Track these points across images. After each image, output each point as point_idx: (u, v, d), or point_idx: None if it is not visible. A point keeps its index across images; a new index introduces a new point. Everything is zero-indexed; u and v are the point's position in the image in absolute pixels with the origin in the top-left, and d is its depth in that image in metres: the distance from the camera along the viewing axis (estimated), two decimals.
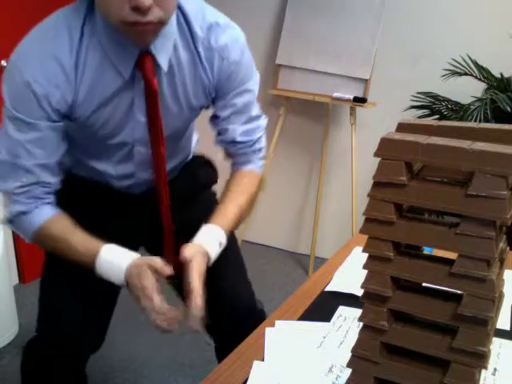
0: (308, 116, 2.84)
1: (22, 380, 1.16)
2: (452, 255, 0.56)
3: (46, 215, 1.00)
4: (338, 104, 2.57)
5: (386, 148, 0.56)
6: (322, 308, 1.01)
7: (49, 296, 1.13)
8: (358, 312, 0.62)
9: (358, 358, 0.64)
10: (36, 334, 1.13)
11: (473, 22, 2.43)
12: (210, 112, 1.13)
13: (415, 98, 2.31)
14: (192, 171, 1.26)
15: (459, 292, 0.56)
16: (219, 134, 1.13)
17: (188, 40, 0.99)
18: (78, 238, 0.99)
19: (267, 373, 0.81)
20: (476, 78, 2.21)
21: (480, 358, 0.56)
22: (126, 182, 1.14)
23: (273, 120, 2.80)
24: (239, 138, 1.10)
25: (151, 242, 1.20)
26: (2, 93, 0.94)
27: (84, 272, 1.04)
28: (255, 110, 1.12)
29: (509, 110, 1.99)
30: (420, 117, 2.32)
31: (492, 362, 0.84)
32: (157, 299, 0.91)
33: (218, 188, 1.26)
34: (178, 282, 1.02)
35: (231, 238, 1.18)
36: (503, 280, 0.60)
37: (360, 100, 2.42)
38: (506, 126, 0.59)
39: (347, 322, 0.96)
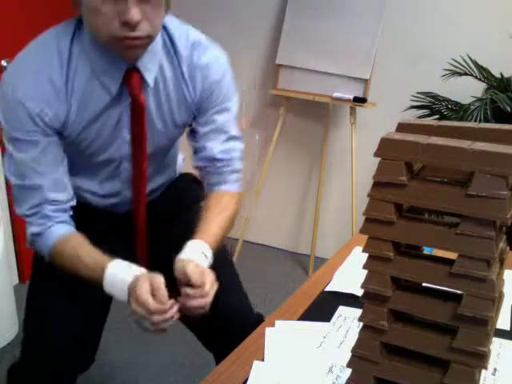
0: (308, 116, 2.85)
1: None
2: (452, 255, 0.56)
3: (59, 234, 1.01)
4: (337, 104, 2.57)
5: (386, 148, 0.56)
6: (322, 308, 1.01)
7: (34, 309, 1.11)
8: (358, 312, 0.62)
9: (357, 358, 0.63)
10: (18, 359, 1.10)
11: (473, 22, 2.43)
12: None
13: (415, 98, 2.31)
14: (178, 190, 1.27)
15: (459, 292, 0.56)
16: (196, 152, 1.13)
17: (172, 58, 1.01)
18: (89, 256, 0.99)
19: (267, 373, 0.81)
20: (476, 78, 2.21)
21: (480, 358, 0.56)
22: (112, 200, 1.15)
23: (273, 120, 2.80)
24: (218, 156, 1.10)
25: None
26: None
27: (72, 282, 1.04)
28: (234, 130, 1.13)
29: (509, 109, 1.99)
30: (420, 117, 2.32)
31: (492, 362, 0.84)
32: (151, 302, 0.89)
33: None
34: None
35: (223, 254, 1.18)
36: (503, 280, 0.60)
37: (360, 100, 2.42)
38: (506, 126, 0.59)
39: (347, 322, 0.96)
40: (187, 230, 1.06)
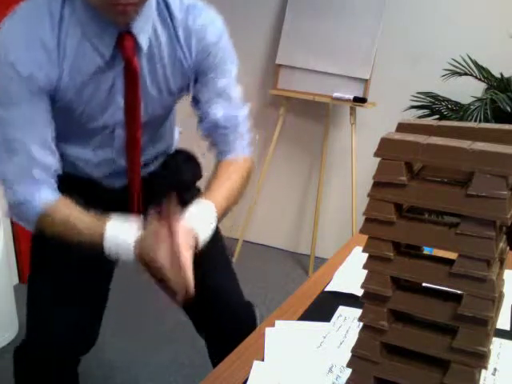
0: (308, 116, 2.85)
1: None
2: (452, 255, 0.56)
3: (47, 199, 0.98)
4: (338, 104, 2.57)
5: (386, 148, 0.56)
6: (322, 308, 1.01)
7: (35, 297, 1.11)
8: (358, 312, 0.62)
9: (358, 358, 0.63)
10: (24, 340, 1.11)
11: (473, 22, 2.43)
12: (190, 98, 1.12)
13: (415, 98, 2.31)
14: (175, 165, 1.24)
15: (459, 292, 0.56)
16: (201, 119, 1.11)
17: (167, 21, 0.99)
18: (82, 221, 0.96)
19: (267, 373, 0.81)
20: (476, 78, 2.21)
21: (480, 358, 0.56)
22: (106, 169, 1.12)
23: (273, 120, 2.80)
24: (222, 122, 1.08)
25: None
26: None
27: (71, 270, 1.03)
28: (236, 94, 1.10)
29: (509, 109, 1.99)
30: (420, 117, 2.32)
31: (492, 362, 0.84)
32: (168, 268, 0.87)
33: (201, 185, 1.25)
34: None
35: (217, 235, 1.18)
36: (503, 280, 0.60)
37: (360, 100, 2.42)
38: (506, 126, 0.59)
39: (347, 322, 0.96)
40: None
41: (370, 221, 0.58)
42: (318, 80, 2.56)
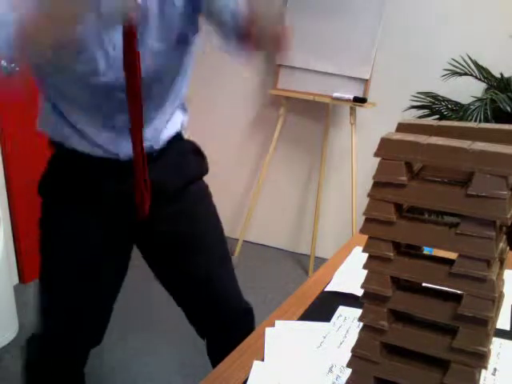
0: (308, 116, 2.85)
1: (25, 379, 1.16)
2: (452, 255, 0.56)
3: None
4: (338, 104, 2.57)
5: (386, 148, 0.56)
6: (322, 308, 1.01)
7: (47, 291, 1.13)
8: (358, 312, 0.62)
9: (358, 358, 0.63)
10: (34, 332, 1.13)
11: (473, 22, 2.43)
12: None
13: (415, 98, 2.31)
14: (183, 154, 1.18)
15: (459, 292, 0.56)
16: (218, 24, 1.01)
17: None
18: None
19: (267, 373, 0.81)
20: (476, 78, 2.21)
21: (480, 358, 0.56)
22: (111, 131, 1.05)
23: (273, 120, 2.80)
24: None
25: (144, 239, 1.18)
26: None
27: (84, 265, 1.04)
28: None
29: (509, 109, 1.99)
30: (420, 117, 2.32)
31: (492, 362, 0.84)
32: None
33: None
34: None
35: (221, 236, 1.19)
36: (503, 280, 0.60)
37: (360, 100, 2.42)
38: (506, 127, 0.59)
39: (347, 322, 0.96)
40: (194, 206, 1.05)
41: (370, 221, 0.58)
42: (318, 80, 2.56)
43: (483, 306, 0.54)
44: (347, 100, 2.44)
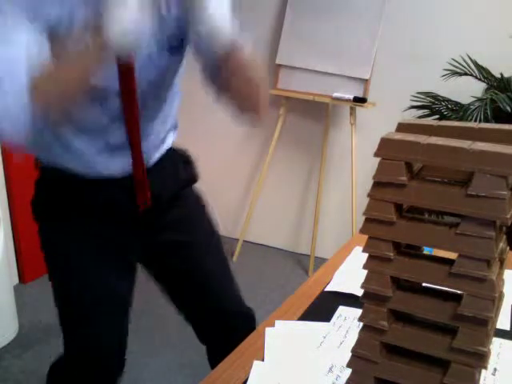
0: (308, 116, 2.85)
1: None
2: (452, 255, 0.56)
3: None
4: (337, 104, 2.57)
5: (386, 148, 0.56)
6: (322, 308, 1.01)
7: (67, 313, 1.11)
8: (358, 312, 0.62)
9: (358, 358, 0.63)
10: (60, 357, 1.13)
11: (473, 22, 2.43)
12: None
13: (415, 98, 2.31)
14: (173, 162, 1.17)
15: (459, 292, 0.56)
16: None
17: None
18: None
19: (267, 373, 0.81)
20: (476, 78, 2.21)
21: (480, 358, 0.56)
22: (105, 152, 1.03)
23: (273, 120, 2.80)
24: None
25: (147, 255, 1.16)
26: None
27: (97, 288, 1.05)
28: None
29: (509, 109, 1.99)
30: (420, 117, 2.32)
31: (492, 362, 0.84)
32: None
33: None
34: None
35: (218, 243, 1.18)
36: (503, 280, 0.60)
37: (360, 100, 2.42)
38: (506, 126, 0.59)
39: (347, 322, 0.96)
40: (191, 212, 1.05)
41: (370, 221, 0.58)
42: (318, 80, 2.56)
43: (483, 306, 0.54)
44: (347, 100, 2.44)
